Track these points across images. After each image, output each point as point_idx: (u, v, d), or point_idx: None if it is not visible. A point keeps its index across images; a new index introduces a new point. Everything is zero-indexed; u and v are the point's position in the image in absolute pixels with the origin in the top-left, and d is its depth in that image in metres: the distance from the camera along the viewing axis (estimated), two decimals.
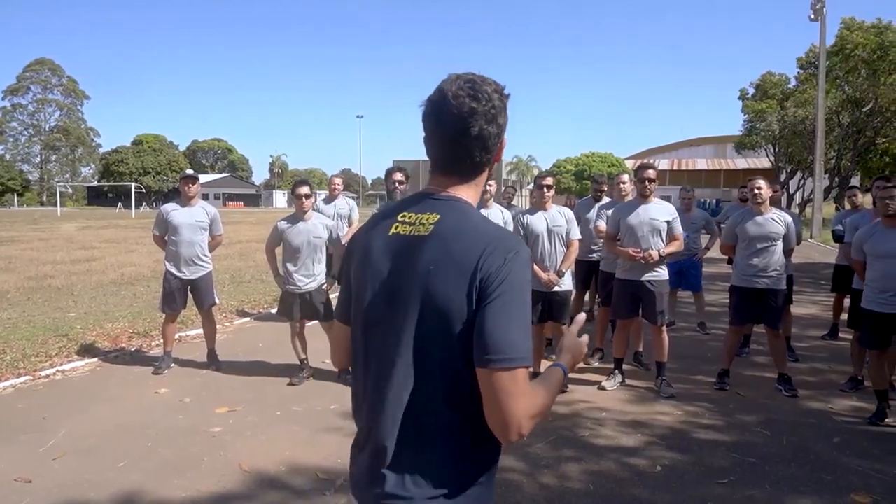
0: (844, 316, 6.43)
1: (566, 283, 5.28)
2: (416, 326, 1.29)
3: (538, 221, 5.20)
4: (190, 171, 5.83)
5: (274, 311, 8.99)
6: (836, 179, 32.59)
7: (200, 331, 7.25)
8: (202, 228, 5.87)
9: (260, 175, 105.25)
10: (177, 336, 6.90)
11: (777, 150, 38.28)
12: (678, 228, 5.25)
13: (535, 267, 5.14)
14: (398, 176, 5.66)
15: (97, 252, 16.68)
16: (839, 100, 29.84)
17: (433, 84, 1.36)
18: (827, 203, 29.83)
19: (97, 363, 6.16)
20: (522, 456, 4.00)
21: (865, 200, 7.20)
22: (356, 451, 1.44)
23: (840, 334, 7.09)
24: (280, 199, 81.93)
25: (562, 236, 5.20)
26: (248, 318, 8.52)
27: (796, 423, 4.61)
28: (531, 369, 1.26)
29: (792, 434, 4.39)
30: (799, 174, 36.55)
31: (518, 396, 1.21)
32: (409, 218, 1.36)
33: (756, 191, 5.27)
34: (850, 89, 29.43)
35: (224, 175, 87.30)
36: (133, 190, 51.43)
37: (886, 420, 4.56)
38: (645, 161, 5.49)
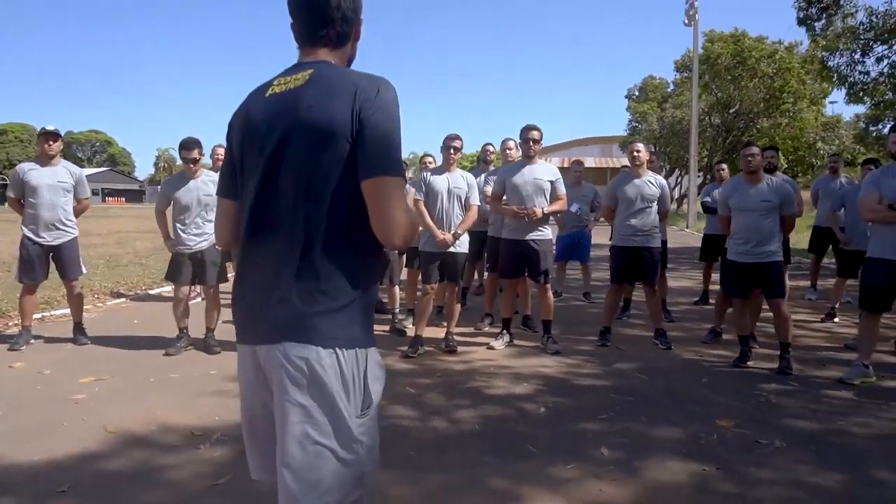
0: (714, 287, 6.90)
1: (462, 245, 5.29)
2: (304, 161, 1.42)
3: (440, 181, 5.20)
4: (50, 127, 5.29)
5: (153, 291, 8.48)
6: (709, 176, 35.13)
7: (66, 311, 6.69)
8: (65, 190, 5.37)
9: (144, 170, 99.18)
10: (39, 316, 6.35)
11: (657, 148, 40.74)
12: (561, 188, 5.40)
13: (432, 225, 5.14)
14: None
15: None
16: (710, 102, 32.18)
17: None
18: (699, 197, 32.08)
19: None
20: (414, 404, 3.97)
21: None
22: (238, 300, 1.54)
23: (710, 300, 7.60)
24: None
25: (461, 199, 5.22)
26: (123, 299, 7.94)
27: (670, 369, 4.88)
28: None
29: (666, 377, 4.63)
30: (676, 172, 39.05)
31: (397, 202, 1.40)
32: (284, 80, 1.51)
33: (635, 153, 5.54)
34: (719, 92, 31.82)
35: (103, 169, 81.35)
36: None
37: (748, 363, 4.92)
38: (529, 123, 5.57)
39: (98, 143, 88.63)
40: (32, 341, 5.43)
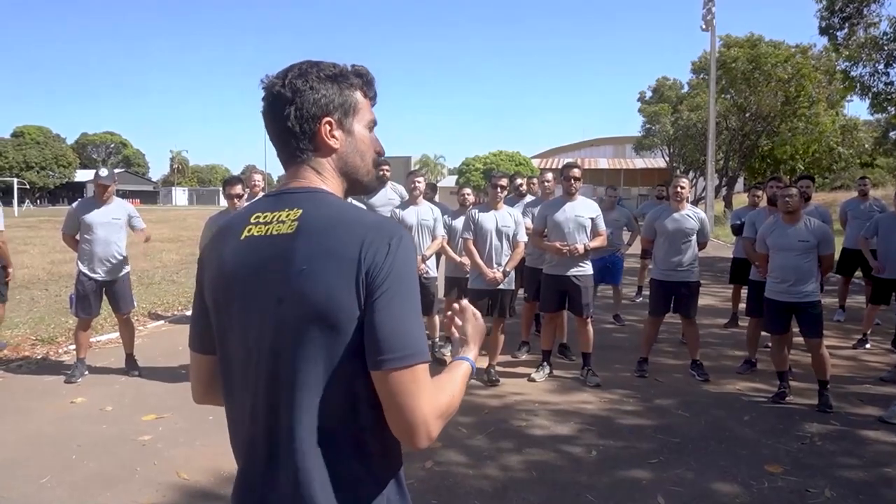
0: (742, 305, 6.99)
1: (509, 282, 5.50)
2: (294, 340, 1.13)
3: (488, 220, 5.37)
4: (103, 172, 5.46)
5: (189, 312, 8.68)
6: (725, 179, 35.07)
7: (112, 336, 6.91)
8: (119, 226, 5.57)
9: (157, 171, 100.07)
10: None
11: (672, 150, 40.69)
12: (602, 225, 5.54)
13: (482, 263, 5.32)
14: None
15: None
16: (726, 105, 32.13)
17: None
18: (717, 201, 32.04)
19: (0, 374, 5.71)
20: (463, 449, 4.10)
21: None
22: (245, 494, 1.24)
23: (738, 322, 7.68)
24: (180, 196, 78.17)
25: (509, 236, 5.38)
26: (162, 322, 8.14)
27: (710, 404, 4.99)
28: (428, 363, 1.14)
29: (708, 415, 4.75)
30: (691, 174, 39.01)
31: (420, 396, 1.09)
32: (264, 218, 1.20)
33: (679, 189, 5.66)
34: (736, 96, 31.75)
35: (118, 171, 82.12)
36: (15, 186, 47.42)
37: (787, 398, 5.02)
38: (570, 161, 5.72)
39: (113, 145, 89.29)
40: (87, 373, 5.62)
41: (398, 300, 1.10)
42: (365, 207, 6.12)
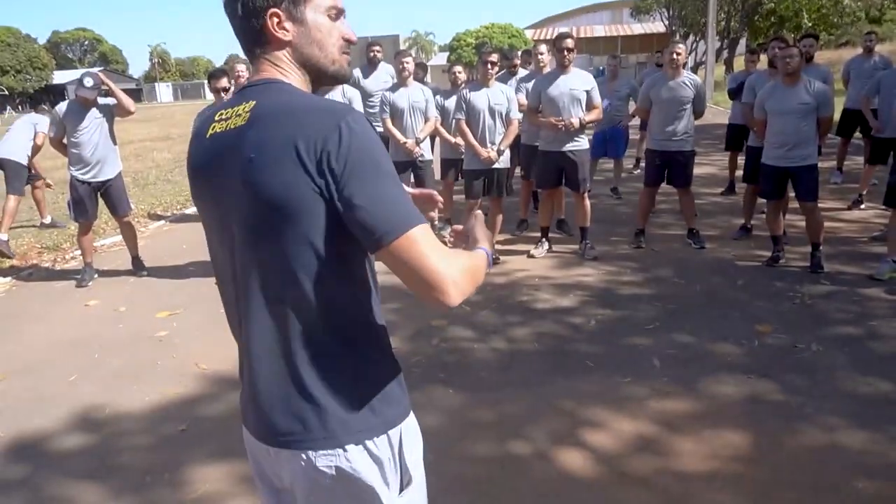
0: (739, 172, 6.99)
1: (504, 161, 5.42)
2: (253, 228, 1.15)
3: (480, 99, 5.23)
4: (88, 84, 5.24)
5: (188, 211, 8.71)
6: (726, 41, 33.73)
7: (115, 239, 6.99)
8: (105, 125, 5.45)
9: (137, 68, 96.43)
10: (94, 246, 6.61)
11: (671, 13, 38.86)
12: (597, 97, 5.41)
13: (476, 144, 5.25)
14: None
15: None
16: None
17: None
18: (718, 65, 31.01)
19: (11, 283, 5.83)
20: (470, 324, 4.27)
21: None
22: (242, 399, 1.32)
23: (735, 190, 7.71)
24: (165, 92, 75.69)
25: (502, 115, 5.27)
26: (163, 221, 8.19)
27: (706, 271, 5.12)
28: (427, 224, 1.12)
29: (703, 281, 4.89)
30: (691, 37, 37.48)
31: (429, 253, 1.08)
32: (225, 114, 1.21)
33: (675, 56, 5.48)
34: None
35: (97, 69, 79.08)
36: None
37: (780, 262, 5.14)
38: (563, 32, 5.51)
39: (87, 42, 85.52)
40: (96, 276, 5.74)
41: (368, 182, 1.08)
42: (359, 93, 6.00)
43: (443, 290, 1.08)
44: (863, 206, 6.75)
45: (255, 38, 1.22)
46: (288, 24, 1.20)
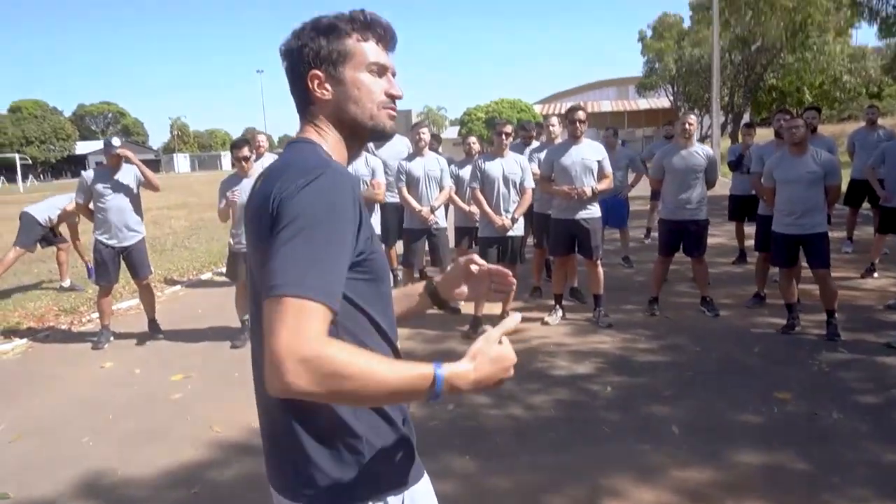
0: (749, 242, 7.05)
1: (518, 229, 5.54)
2: (252, 281, 1.22)
3: (494, 168, 5.39)
4: (116, 143, 5.52)
5: (204, 277, 8.82)
6: (730, 115, 34.56)
7: (132, 302, 7.06)
8: (131, 191, 5.63)
9: (157, 139, 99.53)
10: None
11: (675, 89, 40.00)
12: (608, 167, 5.56)
13: (490, 211, 5.36)
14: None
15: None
16: (730, 39, 31.40)
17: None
18: (722, 138, 31.66)
19: (28, 344, 5.88)
20: (488, 391, 4.23)
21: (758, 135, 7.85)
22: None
23: (747, 258, 7.74)
24: (183, 162, 77.71)
25: (516, 183, 5.40)
26: (178, 286, 8.28)
27: (721, 338, 5.10)
28: (326, 308, 1.01)
29: (719, 348, 4.87)
30: (696, 112, 38.45)
31: (279, 329, 0.97)
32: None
33: (687, 126, 5.66)
34: (739, 29, 31.00)
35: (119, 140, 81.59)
36: (18, 162, 47.34)
37: (795, 329, 5.12)
38: (575, 103, 5.72)
39: (111, 115, 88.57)
40: (112, 339, 5.78)
41: (291, 239, 1.04)
42: (381, 163, 6.17)
43: (270, 375, 0.97)
44: (876, 275, 6.76)
45: (301, 101, 1.29)
46: (328, 85, 1.25)
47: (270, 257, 1.03)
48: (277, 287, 1.00)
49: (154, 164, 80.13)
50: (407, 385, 1.03)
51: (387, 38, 1.29)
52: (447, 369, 1.05)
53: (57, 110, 74.28)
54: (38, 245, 7.74)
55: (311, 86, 1.25)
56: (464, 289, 1.48)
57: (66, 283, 8.01)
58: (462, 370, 1.07)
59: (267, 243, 1.06)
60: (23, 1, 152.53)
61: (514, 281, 1.49)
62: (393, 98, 1.30)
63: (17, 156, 49.58)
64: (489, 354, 1.10)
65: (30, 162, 59.66)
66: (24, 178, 49.39)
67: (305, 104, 1.28)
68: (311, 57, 1.24)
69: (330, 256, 1.05)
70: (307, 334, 0.97)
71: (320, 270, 1.03)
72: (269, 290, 1.01)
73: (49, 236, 7.77)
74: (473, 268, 1.41)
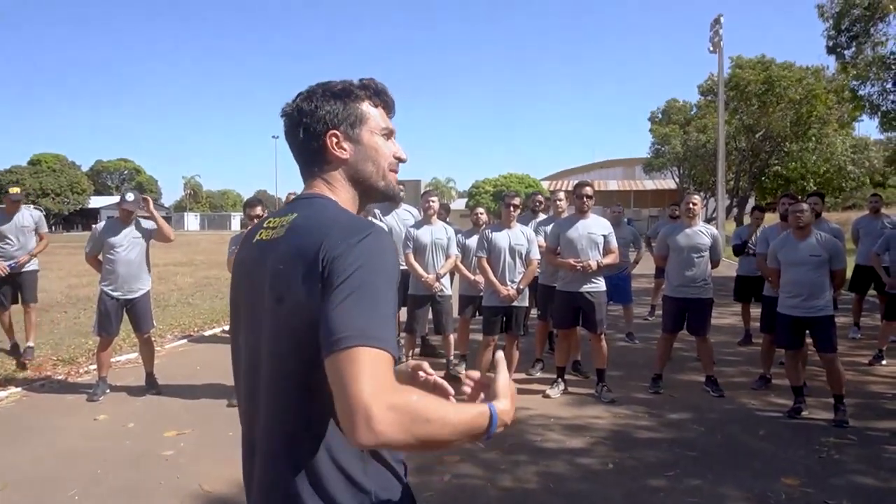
0: (754, 324, 7.01)
1: (523, 300, 5.57)
2: (271, 339, 1.20)
3: (501, 238, 5.46)
4: (130, 198, 5.65)
5: (206, 333, 8.79)
6: (735, 199, 35.06)
7: (131, 356, 7.03)
8: (140, 244, 5.70)
9: (170, 197, 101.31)
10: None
11: (682, 171, 40.79)
12: (614, 242, 5.62)
13: (496, 281, 5.40)
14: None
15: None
16: (736, 126, 32.26)
17: None
18: (728, 221, 32.00)
19: (22, 393, 5.80)
20: (479, 463, 4.14)
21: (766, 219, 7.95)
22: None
23: (753, 339, 7.68)
24: (192, 221, 78.90)
25: (522, 254, 5.47)
26: (180, 342, 8.24)
27: (726, 419, 5.00)
28: (392, 357, 1.06)
29: (723, 429, 4.76)
30: (702, 194, 39.05)
31: (360, 378, 0.99)
32: (273, 223, 1.30)
33: (691, 206, 5.74)
34: (746, 117, 31.89)
35: (131, 199, 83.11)
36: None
37: (802, 413, 5.02)
38: (582, 180, 5.85)
39: (127, 172, 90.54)
40: (108, 391, 5.71)
41: (351, 294, 1.07)
42: (385, 227, 6.26)
43: (354, 425, 0.98)
44: (884, 363, 6.67)
45: (314, 159, 1.33)
46: (346, 144, 1.32)
47: (329, 311, 1.06)
48: (348, 339, 1.02)
49: (165, 222, 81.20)
50: (471, 423, 1.10)
51: (391, 105, 1.39)
52: (497, 406, 1.15)
53: (75, 164, 76.04)
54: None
55: (329, 143, 1.31)
56: None
57: (31, 344, 6.89)
58: (506, 407, 1.18)
59: (306, 298, 1.10)
60: (51, 55, 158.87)
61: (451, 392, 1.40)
62: (399, 161, 1.39)
63: (31, 207, 50.28)
64: (512, 392, 1.23)
65: (44, 213, 60.50)
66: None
67: (319, 163, 1.33)
68: (328, 118, 1.30)
69: (386, 308, 1.09)
70: (388, 383, 1.01)
71: (382, 321, 1.07)
72: (337, 343, 1.03)
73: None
74: (420, 374, 1.38)
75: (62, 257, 20.16)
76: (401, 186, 5.41)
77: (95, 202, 70.84)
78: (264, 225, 1.33)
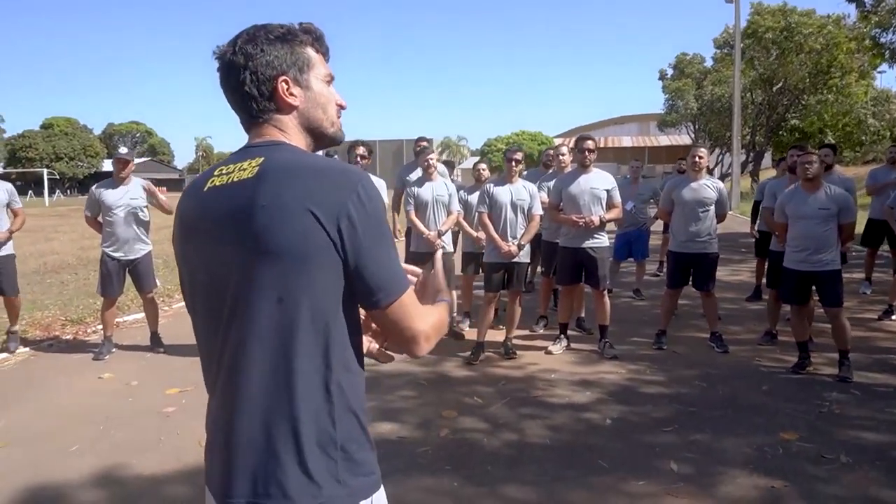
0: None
1: (524, 255, 5.48)
2: (257, 277, 1.15)
3: (503, 193, 5.36)
4: (123, 151, 5.62)
5: None
6: (751, 154, 34.39)
7: (138, 316, 7.07)
8: (138, 206, 5.67)
9: (183, 159, 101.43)
10: (115, 321, 6.69)
11: (696, 127, 39.98)
12: (617, 197, 5.50)
13: (497, 237, 5.32)
14: (360, 150, 5.72)
15: (13, 242, 15.70)
16: (752, 79, 31.38)
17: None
18: (743, 177, 31.46)
19: (30, 352, 5.89)
20: (480, 417, 4.15)
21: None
22: (209, 454, 1.32)
23: (762, 296, 7.57)
24: None
25: (524, 210, 5.36)
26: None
27: (729, 375, 4.96)
28: (411, 288, 1.27)
29: (726, 385, 4.72)
30: (717, 150, 38.31)
31: (413, 317, 1.24)
32: (227, 169, 1.23)
33: (697, 158, 5.59)
34: (762, 69, 30.99)
35: (144, 159, 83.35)
36: (45, 177, 48.43)
37: (807, 368, 4.97)
38: (584, 133, 5.71)
39: (139, 134, 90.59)
40: (114, 350, 5.77)
41: (377, 246, 1.18)
42: (383, 182, 6.15)
43: (418, 344, 1.26)
44: (893, 318, 6.56)
45: (263, 106, 1.26)
46: (296, 90, 1.28)
47: (364, 268, 1.17)
48: (391, 293, 1.20)
49: (178, 184, 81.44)
50: (447, 312, 1.40)
51: (327, 51, 1.36)
52: (445, 297, 1.42)
53: (87, 128, 76.19)
54: None
55: (280, 89, 1.26)
56: (365, 339, 1.39)
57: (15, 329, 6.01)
58: (447, 293, 1.45)
59: (318, 241, 1.13)
60: (62, 19, 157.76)
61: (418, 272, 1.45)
62: (340, 108, 1.37)
63: (45, 171, 50.73)
64: (442, 280, 1.45)
65: (57, 177, 60.99)
66: (52, 192, 50.45)
67: (268, 110, 1.27)
68: (277, 63, 1.25)
69: (394, 247, 1.25)
70: (423, 312, 1.27)
71: (398, 262, 1.24)
72: (386, 297, 1.20)
73: None
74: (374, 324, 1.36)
75: (75, 220, 20.30)
76: (424, 142, 5.28)
77: (109, 165, 71.04)
78: (214, 174, 1.26)
